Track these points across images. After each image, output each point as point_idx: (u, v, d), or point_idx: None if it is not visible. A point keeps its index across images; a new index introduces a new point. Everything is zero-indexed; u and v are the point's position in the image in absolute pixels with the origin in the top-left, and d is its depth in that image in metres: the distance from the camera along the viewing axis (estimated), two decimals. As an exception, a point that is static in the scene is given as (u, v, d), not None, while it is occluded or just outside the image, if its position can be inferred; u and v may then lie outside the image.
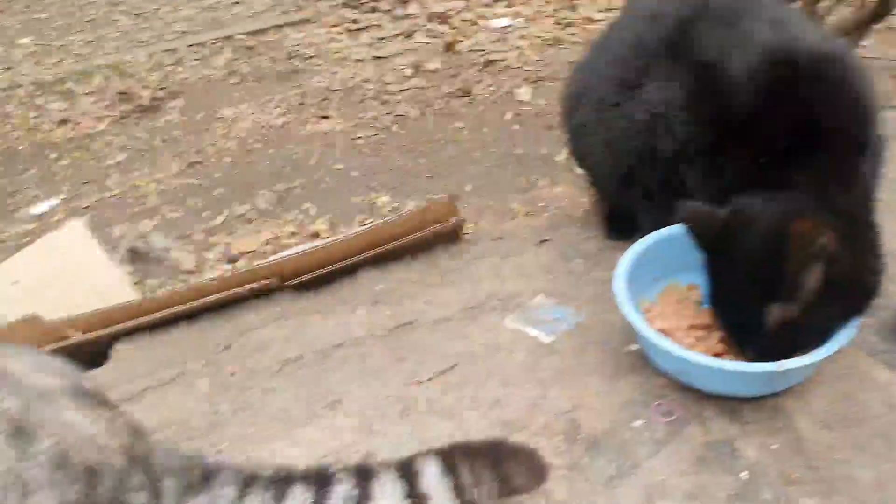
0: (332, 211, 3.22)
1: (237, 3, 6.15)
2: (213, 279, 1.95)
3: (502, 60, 4.17)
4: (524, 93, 3.75)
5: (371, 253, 1.82)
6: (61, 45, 5.78)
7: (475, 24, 4.74)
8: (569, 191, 2.73)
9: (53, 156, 4.20)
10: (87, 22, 6.20)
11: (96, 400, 1.19)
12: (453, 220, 1.95)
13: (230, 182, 3.53)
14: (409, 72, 4.27)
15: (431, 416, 1.60)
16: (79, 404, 1.13)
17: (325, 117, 3.95)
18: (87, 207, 3.61)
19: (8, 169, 4.15)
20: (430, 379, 1.67)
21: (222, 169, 3.66)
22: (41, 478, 1.07)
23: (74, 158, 4.14)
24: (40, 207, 3.70)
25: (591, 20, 4.45)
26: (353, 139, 3.69)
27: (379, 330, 1.81)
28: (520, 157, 3.31)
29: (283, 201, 3.35)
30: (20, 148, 4.35)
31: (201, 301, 1.84)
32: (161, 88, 4.73)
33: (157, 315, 1.86)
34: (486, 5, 4.96)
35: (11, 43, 5.90)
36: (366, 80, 4.29)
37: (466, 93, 3.88)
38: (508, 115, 3.57)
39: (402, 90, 4.10)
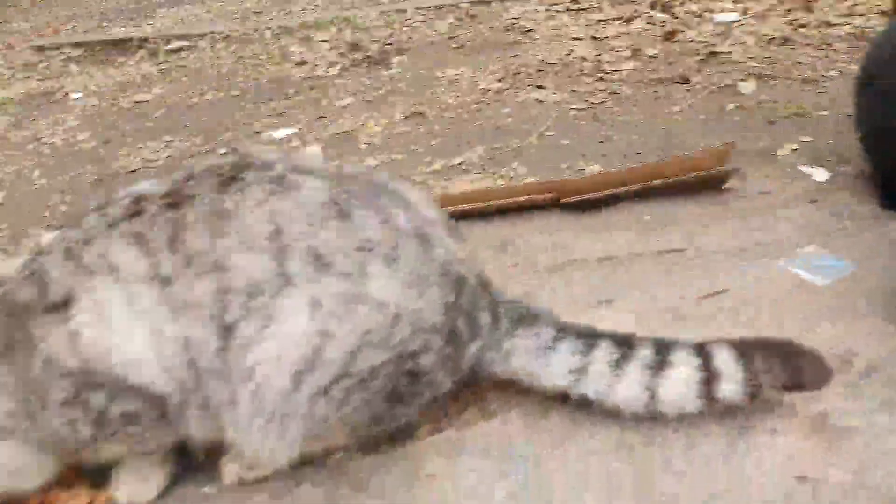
0: (540, 173, 3.36)
1: (464, -28, 6.48)
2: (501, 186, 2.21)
3: (726, 54, 4.12)
4: (747, 87, 3.70)
5: (639, 186, 1.97)
6: (302, -3, 6.40)
7: (700, 16, 4.70)
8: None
9: (291, 91, 4.70)
10: (326, -23, 6.80)
11: (459, 235, 1.46)
12: (723, 168, 2.03)
13: (447, 135, 3.78)
14: (627, 54, 4.33)
15: (704, 329, 1.67)
16: (450, 234, 1.40)
17: (541, 87, 4.11)
18: (319, 139, 4.03)
19: (252, 98, 4.70)
20: (702, 297, 1.77)
21: (440, 122, 3.93)
22: (433, 277, 1.35)
23: (309, 96, 4.61)
24: (280, 133, 4.18)
25: (828, 24, 4.27)
26: (566, 110, 3.82)
27: (647, 251, 1.95)
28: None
29: (495, 159, 3.55)
30: (263, 81, 4.90)
31: (490, 203, 2.08)
32: (388, 44, 5.12)
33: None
34: (713, -1, 4.89)
35: (261, -10, 6.62)
36: (582, 58, 4.40)
37: (685, 80, 3.89)
38: (729, 107, 3.54)
39: (618, 70, 4.17)
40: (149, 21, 6.15)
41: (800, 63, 3.91)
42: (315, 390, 1.30)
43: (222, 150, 4.09)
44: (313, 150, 3.73)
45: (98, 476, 1.54)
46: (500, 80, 4.30)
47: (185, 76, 5.09)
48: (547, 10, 5.22)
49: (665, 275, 1.83)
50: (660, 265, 1.88)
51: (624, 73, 4.13)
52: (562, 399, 1.51)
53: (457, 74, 4.53)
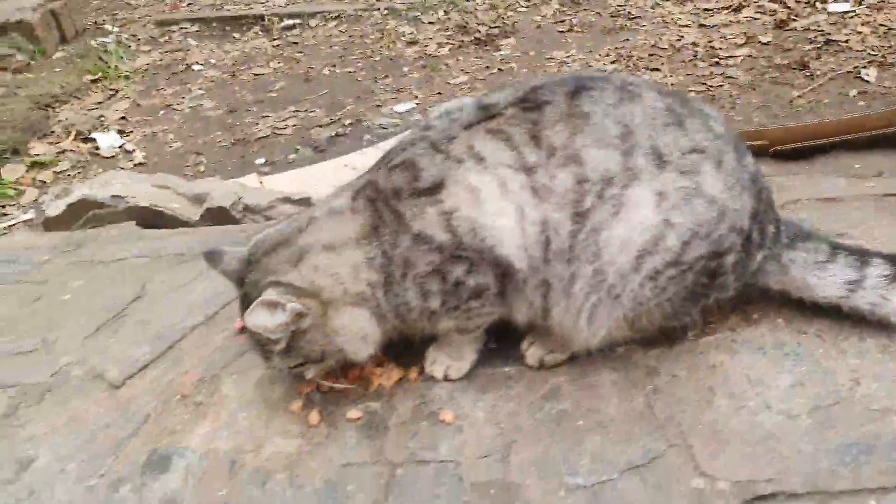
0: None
1: (564, -38, 6.60)
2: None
3: (843, 42, 4.15)
4: (870, 74, 3.73)
5: (847, 137, 2.07)
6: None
7: (812, 5, 4.71)
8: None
9: (406, 69, 4.89)
10: (428, -37, 6.99)
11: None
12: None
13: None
14: (739, 41, 4.39)
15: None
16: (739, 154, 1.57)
17: (656, 69, 4.21)
18: (437, 113, 4.21)
19: (368, 74, 4.91)
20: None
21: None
22: (746, 184, 1.53)
23: (423, 73, 4.80)
24: (401, 107, 4.38)
25: (949, 15, 4.27)
26: (683, 92, 3.91)
27: (865, 195, 2.02)
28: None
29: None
30: (377, 59, 5.11)
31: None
32: (495, 26, 5.27)
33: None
34: (825, -11, 4.90)
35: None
36: (693, 44, 4.48)
37: (803, 66, 3.94)
38: (853, 92, 3.60)
39: (732, 56, 4.24)
40: (260, 0, 6.44)
41: (922, 52, 3.93)
42: (649, 273, 1.46)
43: (348, 121, 4.31)
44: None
45: (401, 359, 1.70)
46: (613, 63, 4.42)
47: (301, 52, 5.33)
48: (653, -3, 5.30)
49: (888, 214, 1.94)
50: (882, 206, 1.98)
51: (739, 58, 4.19)
52: (820, 310, 1.64)
53: (567, 56, 4.65)
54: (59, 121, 4.72)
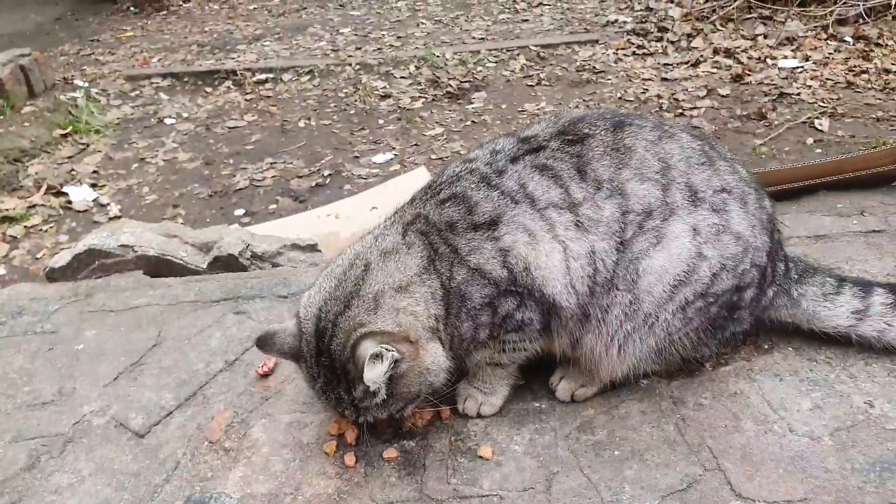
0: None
1: (525, 20, 6.88)
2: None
3: (796, 94, 4.44)
4: (823, 124, 4.00)
5: (831, 179, 2.24)
6: (376, 38, 6.77)
7: (762, 61, 5.04)
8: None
9: (381, 121, 4.99)
10: (395, 22, 7.18)
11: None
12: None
13: (542, 161, 4.06)
14: (701, 93, 4.65)
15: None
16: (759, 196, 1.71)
17: (625, 121, 4.41)
18: (417, 164, 4.31)
19: (344, 126, 4.99)
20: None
21: (533, 150, 4.21)
22: (765, 223, 1.66)
23: (398, 125, 4.91)
24: (380, 158, 4.46)
25: (887, 71, 4.61)
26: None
27: (853, 230, 2.18)
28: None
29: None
30: (352, 112, 5.20)
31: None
32: (465, 81, 5.44)
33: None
34: (772, 48, 5.25)
35: (336, 31, 6.99)
36: (658, 96, 4.72)
37: (762, 117, 4.19)
38: (809, 140, 3.84)
39: (694, 108, 4.48)
40: (231, 55, 6.50)
41: (868, 104, 4.23)
42: (681, 303, 1.54)
43: (327, 172, 4.37)
44: (421, 170, 4.00)
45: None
46: (582, 115, 4.61)
47: (275, 105, 5.40)
48: (615, 53, 5.57)
49: (875, 249, 2.11)
50: (870, 242, 2.15)
51: (702, 109, 4.43)
52: (828, 338, 1.77)
53: (538, 108, 4.83)
54: (29, 175, 4.63)
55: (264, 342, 1.58)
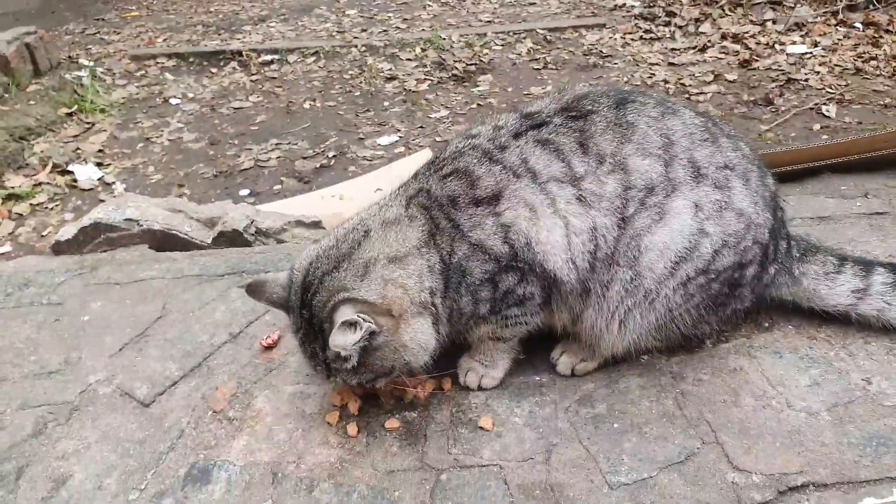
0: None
1: (532, 3, 6.85)
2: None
3: (803, 80, 4.42)
4: (830, 110, 3.99)
5: (834, 161, 2.24)
6: (382, 20, 6.75)
7: (770, 47, 5.01)
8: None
9: (386, 103, 4.99)
10: (401, 4, 7.15)
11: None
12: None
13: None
14: (708, 78, 4.64)
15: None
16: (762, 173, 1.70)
17: (631, 105, 4.40)
18: (421, 146, 4.31)
19: (349, 108, 4.99)
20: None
21: (538, 133, 4.20)
22: (767, 201, 1.66)
23: (403, 108, 4.90)
24: (385, 140, 4.46)
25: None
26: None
27: (857, 212, 2.19)
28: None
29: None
30: (357, 94, 5.20)
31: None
32: (471, 64, 5.43)
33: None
34: (781, 33, 5.22)
35: (342, 12, 6.97)
36: (665, 81, 4.70)
37: (769, 102, 4.18)
38: (816, 126, 3.83)
39: (701, 93, 4.46)
40: (237, 36, 6.49)
41: (877, 91, 4.21)
42: (682, 279, 1.55)
43: (332, 153, 4.37)
44: (426, 153, 4.00)
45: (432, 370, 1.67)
46: (588, 98, 4.60)
47: (280, 86, 5.39)
48: (622, 37, 5.55)
49: (878, 230, 2.12)
50: (873, 224, 2.16)
51: (708, 94, 4.42)
52: (828, 316, 1.77)
53: (544, 92, 4.82)
54: (35, 153, 4.65)
55: (254, 290, 1.61)
